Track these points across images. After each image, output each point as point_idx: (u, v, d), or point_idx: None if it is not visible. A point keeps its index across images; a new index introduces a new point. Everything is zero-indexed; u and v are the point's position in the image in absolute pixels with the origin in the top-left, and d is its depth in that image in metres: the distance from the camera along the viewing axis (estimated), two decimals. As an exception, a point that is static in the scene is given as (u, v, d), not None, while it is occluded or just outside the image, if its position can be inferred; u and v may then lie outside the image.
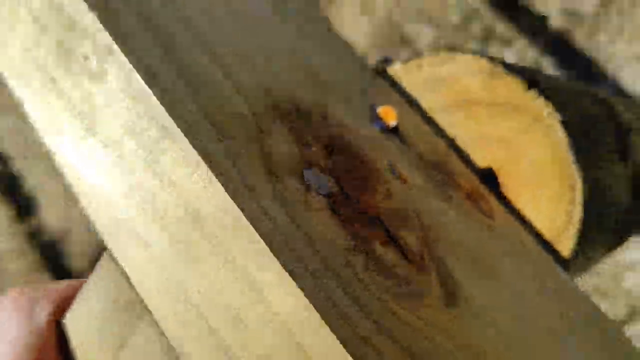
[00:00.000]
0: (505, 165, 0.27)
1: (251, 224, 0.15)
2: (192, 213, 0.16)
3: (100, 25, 0.18)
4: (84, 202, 0.18)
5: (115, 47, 0.18)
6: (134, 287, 0.17)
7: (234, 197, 0.16)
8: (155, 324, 0.18)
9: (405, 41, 0.96)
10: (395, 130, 0.26)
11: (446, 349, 0.17)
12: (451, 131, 0.28)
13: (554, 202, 0.26)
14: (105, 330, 0.21)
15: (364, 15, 1.02)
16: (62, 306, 0.23)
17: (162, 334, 0.17)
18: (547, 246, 0.26)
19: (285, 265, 0.15)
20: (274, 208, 0.16)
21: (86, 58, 0.18)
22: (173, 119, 0.17)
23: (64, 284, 0.24)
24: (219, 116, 0.18)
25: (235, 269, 0.16)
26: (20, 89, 0.20)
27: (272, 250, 0.15)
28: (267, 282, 0.15)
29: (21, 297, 0.23)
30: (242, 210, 0.15)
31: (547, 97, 0.26)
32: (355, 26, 1.02)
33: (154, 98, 0.17)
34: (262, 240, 0.15)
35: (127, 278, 0.18)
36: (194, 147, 0.16)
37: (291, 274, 0.15)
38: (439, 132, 0.28)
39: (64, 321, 0.23)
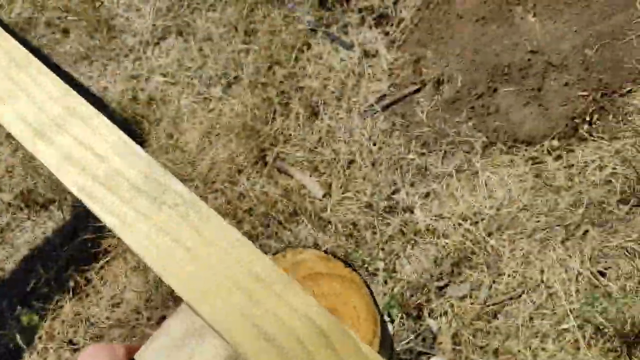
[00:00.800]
0: (338, 306, 0.49)
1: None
2: (256, 276, 0.34)
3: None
4: (172, 281, 0.34)
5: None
6: (205, 319, 0.33)
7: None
8: (218, 338, 0.33)
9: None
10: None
11: None
12: (310, 289, 0.49)
13: (367, 325, 0.48)
14: (172, 355, 0.34)
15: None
16: (132, 353, 0.35)
17: (226, 342, 0.32)
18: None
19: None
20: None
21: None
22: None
23: (128, 345, 0.36)
24: None
25: (285, 305, 0.34)
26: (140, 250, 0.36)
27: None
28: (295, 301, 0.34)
29: (102, 344, 0.35)
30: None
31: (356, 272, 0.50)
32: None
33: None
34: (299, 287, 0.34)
35: (200, 315, 0.33)
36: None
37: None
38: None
39: (135, 356, 0.35)
